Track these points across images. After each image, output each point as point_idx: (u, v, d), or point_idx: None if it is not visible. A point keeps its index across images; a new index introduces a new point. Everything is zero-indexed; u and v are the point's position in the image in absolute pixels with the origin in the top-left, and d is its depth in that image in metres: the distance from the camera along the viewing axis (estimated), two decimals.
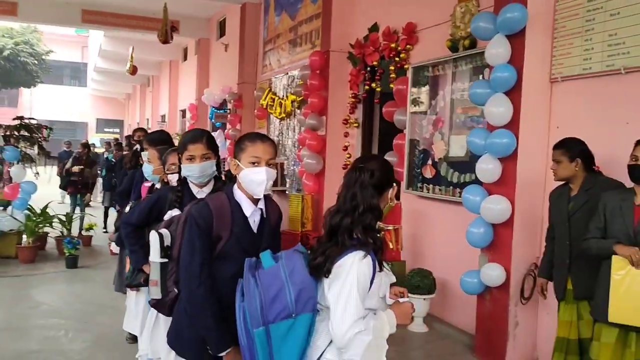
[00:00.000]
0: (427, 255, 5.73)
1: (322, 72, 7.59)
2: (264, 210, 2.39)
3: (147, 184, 3.83)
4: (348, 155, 7.42)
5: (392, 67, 6.36)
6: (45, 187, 10.42)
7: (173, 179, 3.15)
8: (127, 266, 3.26)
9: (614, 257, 3.02)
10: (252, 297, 1.93)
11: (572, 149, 3.54)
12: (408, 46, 6.10)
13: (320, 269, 1.97)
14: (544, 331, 4.46)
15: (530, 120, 4.39)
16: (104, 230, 10.51)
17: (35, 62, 28.67)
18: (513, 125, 4.36)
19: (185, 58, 17.87)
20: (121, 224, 3.02)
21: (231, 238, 2.26)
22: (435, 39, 5.67)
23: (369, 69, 6.99)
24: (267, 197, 2.40)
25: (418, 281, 5.12)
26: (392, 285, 2.21)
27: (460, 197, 5.17)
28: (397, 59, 6.23)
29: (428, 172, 5.75)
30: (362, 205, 1.98)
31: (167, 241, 2.51)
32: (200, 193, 2.80)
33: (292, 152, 9.17)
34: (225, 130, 11.93)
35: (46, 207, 8.59)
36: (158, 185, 3.60)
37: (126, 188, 4.96)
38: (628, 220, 3.05)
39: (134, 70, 15.21)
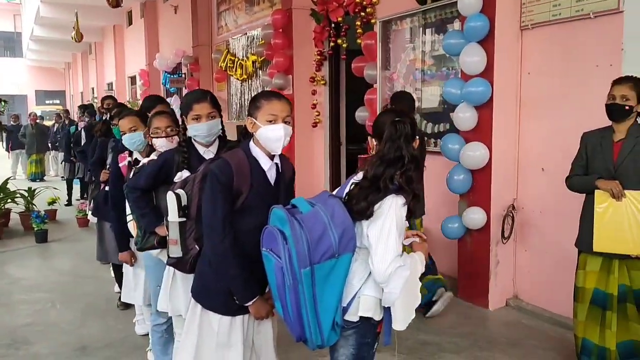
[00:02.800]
0: None
1: (285, 30, 7.53)
2: (279, 164, 2.45)
3: (124, 160, 3.72)
4: (317, 113, 7.47)
5: (358, 23, 6.37)
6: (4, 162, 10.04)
7: (157, 143, 3.14)
8: (134, 231, 3.25)
9: (596, 191, 3.21)
10: (299, 238, 2.00)
11: (636, 85, 3.18)
12: (374, 0, 6.12)
13: (363, 213, 2.07)
14: (523, 267, 4.75)
15: (503, 68, 4.54)
16: (67, 202, 10.26)
17: None
18: (487, 73, 4.51)
19: (130, 22, 17.26)
20: (128, 189, 2.99)
21: (251, 192, 2.32)
22: None
23: (333, 25, 6.98)
24: (280, 154, 2.46)
25: None
26: None
27: (435, 147, 5.35)
28: (362, 14, 6.25)
29: None
30: (406, 157, 2.09)
31: (184, 201, 2.54)
32: (207, 153, 2.82)
33: None
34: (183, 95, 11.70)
35: (6, 182, 8.32)
36: (138, 156, 3.56)
37: (99, 157, 4.88)
38: (608, 157, 3.24)
39: (79, 38, 14.59)
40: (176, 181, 2.66)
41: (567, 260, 3.78)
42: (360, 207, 2.07)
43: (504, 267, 4.74)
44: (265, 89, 7.79)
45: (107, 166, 4.53)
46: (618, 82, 3.22)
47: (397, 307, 2.08)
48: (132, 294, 3.93)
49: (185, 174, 2.70)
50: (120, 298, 4.88)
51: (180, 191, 2.55)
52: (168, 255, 2.64)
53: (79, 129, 9.07)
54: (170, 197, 2.52)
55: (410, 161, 2.10)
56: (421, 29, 5.58)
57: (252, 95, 9.19)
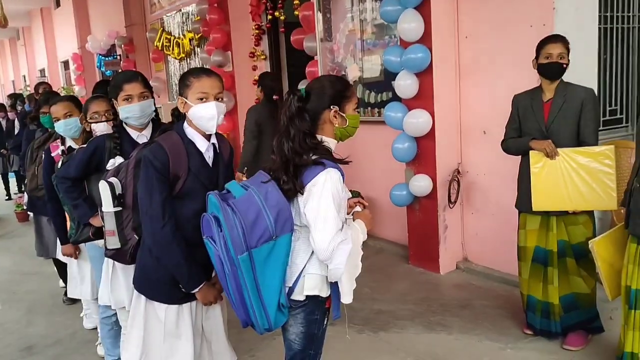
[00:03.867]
0: (354, 177, 5.89)
1: (221, 5, 7.32)
2: (216, 145, 2.37)
3: (56, 149, 3.54)
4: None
5: None
6: None
7: (97, 128, 3.01)
8: (68, 223, 3.10)
9: (531, 152, 3.26)
10: (232, 225, 1.94)
11: (568, 44, 3.23)
12: None
13: (293, 191, 2.02)
14: (470, 230, 4.83)
15: (441, 33, 4.53)
16: (7, 197, 9.81)
17: None
18: (425, 39, 4.49)
19: (58, 4, 16.43)
20: (57, 180, 2.84)
21: (189, 175, 2.23)
22: None
23: None
24: (217, 133, 2.37)
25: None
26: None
27: (379, 116, 5.33)
28: None
29: None
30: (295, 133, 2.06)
31: (118, 189, 2.42)
32: (140, 137, 2.70)
33: None
34: None
35: None
36: (72, 144, 3.41)
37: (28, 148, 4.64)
38: (539, 117, 3.29)
39: (4, 22, 13.77)
40: (109, 169, 2.54)
41: (512, 221, 3.85)
42: (288, 187, 2.02)
43: (453, 231, 4.81)
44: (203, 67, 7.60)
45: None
46: (552, 40, 3.24)
47: (343, 281, 2.05)
48: (78, 288, 3.79)
49: (118, 160, 2.58)
50: (65, 293, 4.72)
51: (114, 179, 2.43)
52: (106, 247, 2.52)
53: (11, 119, 8.64)
54: (104, 186, 2.40)
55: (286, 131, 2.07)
56: None
57: None
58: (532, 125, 3.32)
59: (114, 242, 2.46)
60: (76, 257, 3.64)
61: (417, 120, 4.54)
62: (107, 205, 2.41)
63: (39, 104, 4.59)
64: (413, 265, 4.98)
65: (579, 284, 3.33)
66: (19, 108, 8.29)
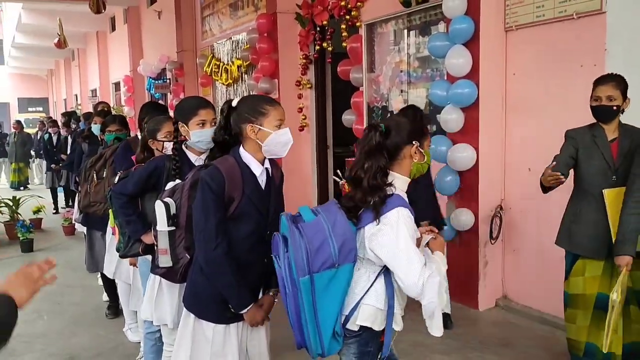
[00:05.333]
0: None
1: (271, 34, 7.53)
2: (269, 169, 2.45)
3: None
4: (303, 117, 7.46)
5: (343, 26, 6.38)
6: None
7: (169, 147, 3.04)
8: (117, 237, 3.20)
9: (606, 192, 3.10)
10: (298, 247, 2.00)
11: (622, 84, 3.12)
12: (359, 4, 6.13)
13: (375, 216, 2.06)
14: (511, 267, 4.77)
15: (489, 69, 4.57)
16: (54, 211, 10.15)
17: None
18: (473, 75, 4.54)
19: (113, 28, 17.13)
20: (114, 195, 2.95)
21: (243, 198, 2.31)
22: None
23: (318, 28, 6.99)
24: (270, 159, 2.45)
25: None
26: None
27: None
28: (347, 17, 6.26)
29: None
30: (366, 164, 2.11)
31: (173, 209, 2.52)
32: (198, 161, 2.81)
33: None
34: (169, 101, 11.65)
35: None
36: None
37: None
38: (607, 156, 3.13)
39: (64, 43, 14.45)
40: (167, 189, 2.64)
41: (553, 260, 3.80)
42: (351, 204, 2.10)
43: (493, 267, 4.76)
44: (252, 94, 7.82)
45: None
46: (601, 82, 3.15)
47: (435, 315, 2.04)
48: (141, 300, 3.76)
49: (177, 181, 2.68)
50: (109, 307, 4.85)
51: (169, 200, 2.53)
52: (157, 265, 2.61)
53: (63, 135, 8.98)
54: (159, 206, 2.50)
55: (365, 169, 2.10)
56: (406, 31, 5.60)
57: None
58: (599, 164, 3.14)
59: (166, 261, 2.54)
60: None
61: (461, 155, 4.56)
62: (162, 224, 2.50)
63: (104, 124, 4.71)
64: (451, 300, 4.92)
65: None
66: (73, 126, 8.62)
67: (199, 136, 2.74)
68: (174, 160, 2.76)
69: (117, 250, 3.18)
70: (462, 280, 4.82)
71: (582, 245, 3.23)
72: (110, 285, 4.70)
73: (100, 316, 4.85)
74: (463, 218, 4.62)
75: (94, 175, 4.40)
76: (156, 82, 12.84)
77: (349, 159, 6.55)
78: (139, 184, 2.86)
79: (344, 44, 6.39)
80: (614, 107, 3.09)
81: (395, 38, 5.78)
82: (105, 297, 5.03)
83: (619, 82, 3.11)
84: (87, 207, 4.33)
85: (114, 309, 4.78)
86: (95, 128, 5.14)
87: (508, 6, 4.56)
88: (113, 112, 6.31)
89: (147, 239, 2.85)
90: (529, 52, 4.48)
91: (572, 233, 3.29)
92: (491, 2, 4.52)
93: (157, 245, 2.58)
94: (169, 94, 11.91)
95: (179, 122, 2.77)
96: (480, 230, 4.65)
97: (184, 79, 11.01)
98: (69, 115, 10.01)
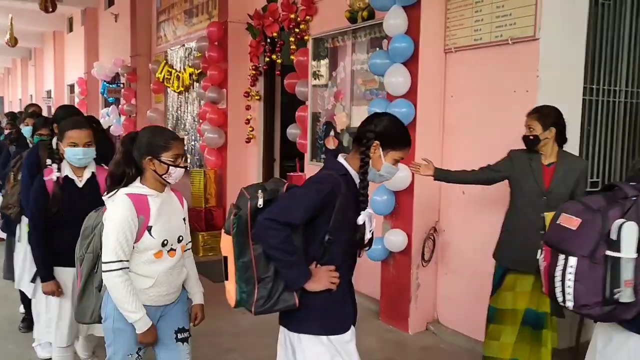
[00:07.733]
0: None
1: (221, 43, 7.41)
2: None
3: (51, 173, 3.13)
4: (251, 129, 7.35)
5: (292, 39, 6.31)
6: None
7: (176, 174, 2.57)
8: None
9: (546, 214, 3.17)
10: None
11: (546, 116, 3.33)
12: (307, 17, 6.07)
13: None
14: (443, 291, 4.71)
15: (427, 90, 4.53)
16: None
17: None
18: (411, 94, 4.49)
19: (70, 29, 16.72)
20: (268, 223, 2.13)
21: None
22: (335, 9, 5.67)
23: (269, 40, 6.90)
24: None
25: None
26: None
27: None
28: (297, 30, 6.19)
29: (331, 143, 5.81)
30: None
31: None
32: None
33: (192, 127, 8.93)
34: (120, 106, 11.37)
35: None
36: (70, 173, 3.16)
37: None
38: (539, 179, 3.33)
39: (12, 42, 14.00)
40: None
41: (487, 285, 3.74)
42: None
43: (425, 290, 4.69)
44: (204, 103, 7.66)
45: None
46: (528, 113, 3.39)
47: None
48: (53, 331, 3.25)
49: None
50: (23, 319, 4.59)
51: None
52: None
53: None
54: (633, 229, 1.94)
55: None
56: (351, 47, 5.54)
57: (190, 108, 9.00)
58: (531, 186, 3.34)
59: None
60: (59, 295, 3.14)
61: (397, 174, 4.48)
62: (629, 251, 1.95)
63: (35, 126, 4.46)
64: (383, 321, 4.84)
65: None
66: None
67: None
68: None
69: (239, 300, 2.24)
70: (394, 303, 4.74)
71: (513, 258, 3.38)
72: (27, 298, 4.43)
73: (13, 329, 4.57)
74: (396, 239, 4.55)
75: (12, 176, 4.22)
76: (110, 85, 12.54)
77: (292, 174, 6.44)
78: (310, 211, 2.19)
79: (291, 57, 6.30)
80: (531, 137, 3.33)
81: (340, 53, 5.72)
82: (22, 309, 4.76)
83: (542, 115, 3.33)
84: (4, 208, 4.15)
85: (28, 322, 4.51)
86: (27, 130, 4.91)
87: (448, 28, 4.54)
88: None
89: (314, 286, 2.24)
90: (466, 75, 4.46)
91: (505, 246, 3.47)
92: (431, 23, 4.49)
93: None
94: (121, 98, 11.62)
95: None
96: (413, 251, 4.58)
97: (137, 84, 10.78)
98: (12, 116, 9.62)
